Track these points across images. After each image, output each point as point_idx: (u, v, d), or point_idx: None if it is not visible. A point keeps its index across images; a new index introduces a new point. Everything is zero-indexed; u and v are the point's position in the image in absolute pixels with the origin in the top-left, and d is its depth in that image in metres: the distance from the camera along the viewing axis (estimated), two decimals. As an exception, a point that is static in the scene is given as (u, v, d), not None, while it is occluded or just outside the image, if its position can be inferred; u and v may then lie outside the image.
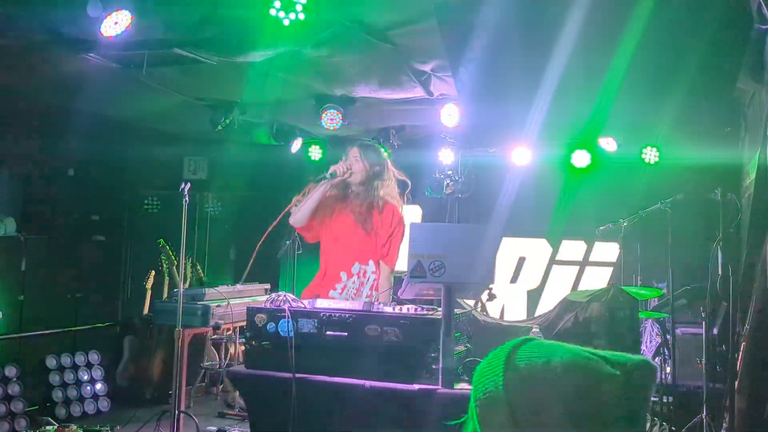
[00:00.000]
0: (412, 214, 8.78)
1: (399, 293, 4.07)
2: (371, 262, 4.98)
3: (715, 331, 6.18)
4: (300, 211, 4.91)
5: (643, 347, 6.37)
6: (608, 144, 7.30)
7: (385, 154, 5.15)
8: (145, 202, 9.03)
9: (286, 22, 4.32)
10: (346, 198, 5.01)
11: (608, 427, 1.35)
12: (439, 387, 3.56)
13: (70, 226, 8.43)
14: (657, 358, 6.35)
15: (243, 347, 4.36)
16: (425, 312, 3.87)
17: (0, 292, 6.98)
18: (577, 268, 8.43)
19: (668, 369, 6.07)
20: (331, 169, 4.90)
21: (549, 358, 1.38)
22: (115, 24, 4.51)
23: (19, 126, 7.73)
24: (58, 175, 8.64)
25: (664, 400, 5.93)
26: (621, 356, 1.46)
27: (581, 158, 7.58)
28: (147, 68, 5.50)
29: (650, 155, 7.25)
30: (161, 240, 7.57)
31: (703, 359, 5.86)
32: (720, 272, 5.51)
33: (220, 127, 7.04)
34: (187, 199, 5.48)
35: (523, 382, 1.36)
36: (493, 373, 1.42)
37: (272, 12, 4.24)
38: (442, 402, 3.49)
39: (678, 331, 6.31)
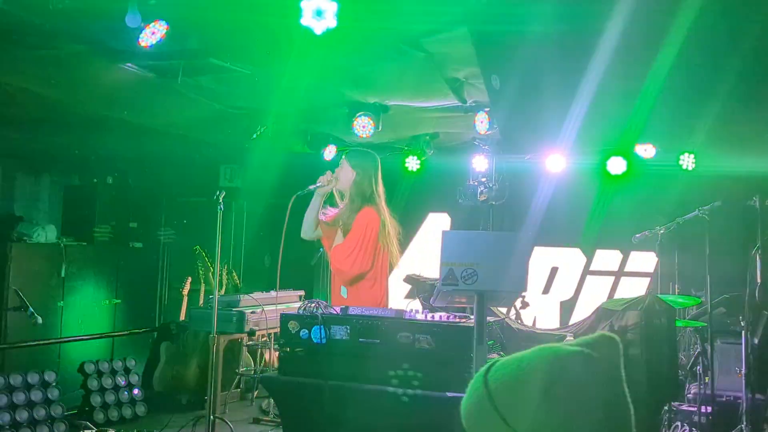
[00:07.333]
0: (442, 222, 8.71)
1: (431, 301, 4.06)
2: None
3: (755, 340, 6.06)
4: (303, 224, 5.01)
5: (681, 356, 6.26)
6: (646, 150, 7.19)
7: (377, 162, 4.98)
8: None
9: (317, 31, 4.32)
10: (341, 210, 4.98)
11: (588, 411, 1.32)
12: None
13: (108, 233, 8.56)
14: (696, 367, 6.25)
15: (278, 353, 4.38)
16: (457, 319, 3.86)
17: (40, 298, 7.09)
18: (612, 278, 8.22)
19: (707, 379, 5.97)
20: (318, 181, 4.89)
21: (519, 361, 1.38)
22: (153, 34, 4.61)
23: (59, 135, 7.87)
24: (97, 183, 8.78)
25: (703, 411, 5.83)
26: (580, 339, 1.45)
27: (617, 165, 7.45)
28: (182, 77, 5.57)
29: (687, 162, 7.14)
30: (197, 247, 7.65)
31: (743, 369, 5.75)
32: (759, 280, 5.41)
33: (255, 136, 7.09)
34: (221, 206, 5.55)
35: (504, 385, 1.36)
36: (474, 388, 1.42)
37: (303, 22, 4.25)
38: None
39: (717, 340, 6.20)
